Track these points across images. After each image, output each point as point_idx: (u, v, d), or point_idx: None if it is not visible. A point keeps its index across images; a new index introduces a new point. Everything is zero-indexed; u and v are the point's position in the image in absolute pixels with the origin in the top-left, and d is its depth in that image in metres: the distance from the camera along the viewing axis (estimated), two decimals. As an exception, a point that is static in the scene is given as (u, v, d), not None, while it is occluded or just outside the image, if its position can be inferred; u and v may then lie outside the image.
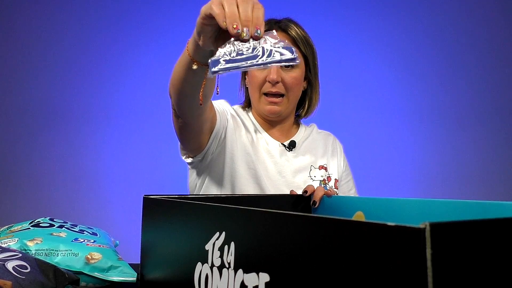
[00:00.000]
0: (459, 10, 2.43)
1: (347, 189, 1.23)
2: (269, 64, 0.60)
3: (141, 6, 2.41)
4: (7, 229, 0.88)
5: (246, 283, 0.43)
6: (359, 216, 0.70)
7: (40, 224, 0.86)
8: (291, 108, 1.15)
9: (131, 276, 0.78)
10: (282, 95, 1.10)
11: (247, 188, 1.07)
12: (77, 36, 2.38)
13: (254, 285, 0.42)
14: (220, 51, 0.61)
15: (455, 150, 2.38)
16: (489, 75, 2.42)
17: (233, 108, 1.18)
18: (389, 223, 0.29)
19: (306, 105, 1.20)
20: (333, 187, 1.16)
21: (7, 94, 2.34)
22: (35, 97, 2.35)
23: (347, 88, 2.39)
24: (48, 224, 0.86)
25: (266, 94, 1.10)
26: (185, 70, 0.80)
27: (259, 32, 0.61)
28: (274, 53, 0.60)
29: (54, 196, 2.26)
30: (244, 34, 0.61)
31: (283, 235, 0.39)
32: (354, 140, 2.32)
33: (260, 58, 0.60)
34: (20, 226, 0.86)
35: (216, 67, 0.60)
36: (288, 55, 0.60)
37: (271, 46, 0.61)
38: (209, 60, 0.61)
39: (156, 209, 0.65)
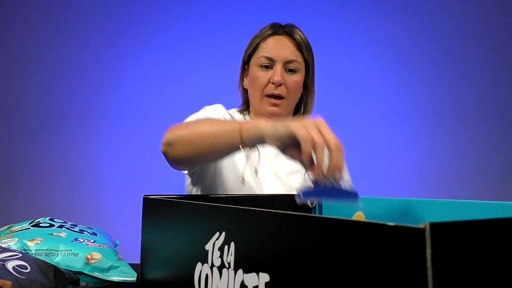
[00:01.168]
0: (459, 8, 2.43)
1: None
2: (341, 200, 0.69)
3: (140, 6, 2.41)
4: (7, 229, 0.88)
5: (246, 283, 0.43)
6: (359, 216, 0.70)
7: (40, 224, 0.86)
8: (289, 111, 1.18)
9: (131, 276, 0.78)
10: (282, 98, 1.12)
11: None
12: (77, 36, 2.39)
13: (254, 285, 0.42)
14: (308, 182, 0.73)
15: (455, 149, 2.38)
16: (489, 74, 2.42)
17: (229, 113, 1.19)
18: (389, 223, 0.29)
19: (302, 110, 1.22)
20: None
21: (7, 94, 2.34)
22: (35, 97, 2.35)
23: (347, 88, 2.39)
24: (48, 224, 0.86)
25: (268, 96, 1.12)
26: (226, 147, 0.79)
27: (338, 179, 0.65)
28: (346, 194, 0.68)
29: (54, 196, 2.26)
30: (327, 183, 0.66)
31: (283, 235, 0.39)
32: (354, 140, 2.32)
33: (336, 197, 0.68)
34: (20, 226, 0.86)
35: (306, 198, 0.69)
36: (354, 199, 0.68)
37: (344, 186, 0.68)
38: (301, 191, 0.67)
39: (156, 209, 0.65)
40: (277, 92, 1.10)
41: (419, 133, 2.40)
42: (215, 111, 1.15)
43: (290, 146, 0.69)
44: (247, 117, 1.20)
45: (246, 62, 1.19)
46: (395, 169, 2.36)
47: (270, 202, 0.83)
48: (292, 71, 1.12)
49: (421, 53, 2.44)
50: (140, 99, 2.37)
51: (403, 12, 2.44)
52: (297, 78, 1.13)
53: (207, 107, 1.16)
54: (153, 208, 0.66)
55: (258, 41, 1.15)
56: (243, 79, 1.21)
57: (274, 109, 1.12)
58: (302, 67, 1.14)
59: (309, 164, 0.66)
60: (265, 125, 0.73)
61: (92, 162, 2.32)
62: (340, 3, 2.43)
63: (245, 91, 1.21)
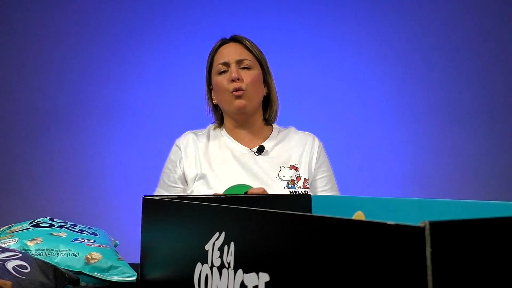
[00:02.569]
0: (456, 7, 2.43)
1: (321, 185, 1.26)
2: None
3: (146, 5, 2.41)
4: (7, 229, 0.88)
5: (246, 283, 0.43)
6: (359, 215, 0.70)
7: (40, 224, 0.86)
8: (255, 104, 1.26)
9: (131, 276, 0.78)
10: (243, 90, 1.22)
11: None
12: (82, 35, 2.39)
13: (254, 285, 0.42)
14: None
15: (455, 149, 2.38)
16: (487, 74, 2.42)
17: (196, 134, 1.30)
18: (389, 222, 0.29)
19: (269, 108, 1.31)
20: (301, 187, 1.21)
21: (8, 94, 2.34)
22: (36, 97, 2.35)
23: (345, 89, 2.39)
24: (48, 224, 0.86)
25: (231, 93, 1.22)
26: None
27: None
28: None
29: (54, 196, 2.26)
30: None
31: (283, 235, 0.39)
32: (354, 140, 2.33)
33: None
34: (20, 226, 0.86)
35: None
36: None
37: None
38: None
39: (156, 210, 0.65)
40: (237, 86, 1.20)
41: (419, 133, 2.40)
42: (178, 151, 1.27)
43: None
44: (223, 131, 1.30)
45: (209, 82, 1.31)
46: (395, 169, 2.36)
47: (270, 202, 0.83)
48: (246, 68, 1.23)
49: (420, 53, 2.44)
50: (140, 100, 2.37)
51: (397, 11, 2.44)
52: (253, 72, 1.23)
53: (176, 143, 1.31)
54: (153, 209, 0.66)
55: (211, 56, 1.29)
56: (211, 98, 1.32)
57: (240, 101, 1.21)
58: (255, 64, 1.25)
59: None
60: None
61: (92, 162, 2.32)
62: (330, 7, 2.43)
63: (215, 108, 1.33)
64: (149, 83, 2.37)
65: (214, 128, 1.33)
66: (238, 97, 1.21)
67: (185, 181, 1.24)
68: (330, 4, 2.42)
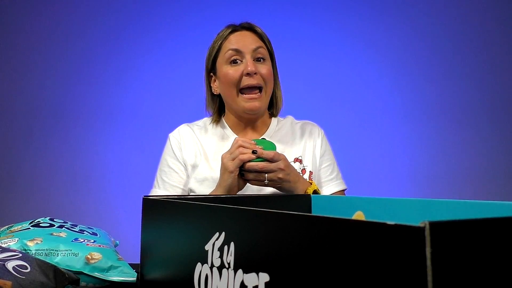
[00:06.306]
0: (457, 7, 2.43)
1: (325, 175, 1.20)
2: None
3: (146, 7, 2.41)
4: (7, 229, 0.88)
5: (246, 283, 0.43)
6: (359, 215, 0.70)
7: (40, 224, 0.86)
8: (266, 105, 1.16)
9: (131, 276, 0.78)
10: (260, 88, 1.10)
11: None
12: (81, 37, 2.39)
13: (254, 285, 0.42)
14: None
15: (455, 150, 2.38)
16: (488, 73, 2.42)
17: (190, 128, 1.20)
18: (389, 222, 0.29)
19: (274, 103, 1.21)
20: (308, 180, 1.12)
21: (8, 94, 2.34)
22: (36, 97, 2.35)
23: (346, 88, 2.39)
24: (48, 224, 0.86)
25: (242, 92, 1.10)
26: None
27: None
28: None
29: (54, 196, 2.26)
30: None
31: (283, 235, 0.39)
32: (354, 140, 2.32)
33: None
34: (20, 226, 0.86)
35: None
36: None
37: None
38: None
39: (156, 210, 0.65)
40: (254, 82, 1.08)
41: (419, 133, 2.40)
42: (176, 144, 1.17)
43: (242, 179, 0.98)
44: (223, 125, 1.19)
45: (211, 69, 1.17)
46: (395, 169, 2.36)
47: (270, 202, 0.83)
48: (261, 59, 1.11)
49: (421, 53, 2.44)
50: (141, 100, 2.37)
51: (400, 11, 2.44)
52: (268, 66, 1.12)
53: (171, 140, 1.19)
54: (153, 209, 0.66)
55: (219, 42, 1.14)
56: (210, 88, 1.19)
57: (253, 104, 1.09)
58: (268, 56, 1.14)
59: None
60: (220, 190, 0.98)
61: (92, 162, 2.32)
62: (336, 4, 2.42)
63: (214, 98, 1.20)
64: (150, 83, 2.37)
65: (211, 123, 1.21)
66: (252, 99, 1.09)
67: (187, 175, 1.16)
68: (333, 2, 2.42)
